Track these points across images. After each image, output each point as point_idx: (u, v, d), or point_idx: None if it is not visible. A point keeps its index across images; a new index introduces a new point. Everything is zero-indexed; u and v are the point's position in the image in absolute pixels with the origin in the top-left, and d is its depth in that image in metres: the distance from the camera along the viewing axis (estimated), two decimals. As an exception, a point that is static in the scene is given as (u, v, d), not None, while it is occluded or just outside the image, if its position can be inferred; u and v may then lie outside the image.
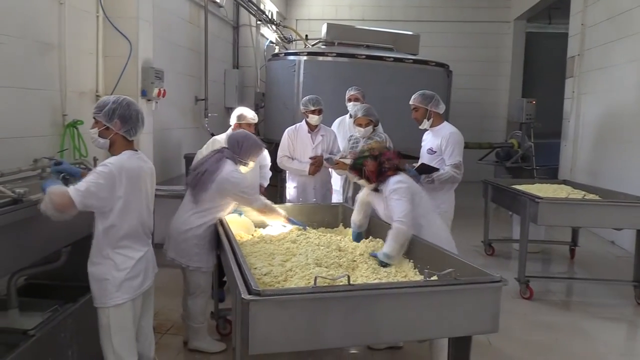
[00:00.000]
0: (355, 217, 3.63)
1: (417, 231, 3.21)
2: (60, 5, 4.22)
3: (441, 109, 4.39)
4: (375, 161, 3.35)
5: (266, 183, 5.05)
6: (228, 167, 3.59)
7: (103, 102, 2.67)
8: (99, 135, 2.66)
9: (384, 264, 2.99)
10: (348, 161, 4.32)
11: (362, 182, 3.45)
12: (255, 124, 4.74)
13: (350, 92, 5.48)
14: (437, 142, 4.34)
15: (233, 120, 4.68)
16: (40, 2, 4.00)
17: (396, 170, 3.36)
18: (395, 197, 3.20)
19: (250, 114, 4.68)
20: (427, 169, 4.25)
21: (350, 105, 5.47)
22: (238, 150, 3.72)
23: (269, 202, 3.74)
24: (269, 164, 5.03)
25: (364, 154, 3.43)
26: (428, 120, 4.38)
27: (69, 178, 2.79)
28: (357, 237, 3.57)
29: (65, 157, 4.12)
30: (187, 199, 3.70)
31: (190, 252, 3.62)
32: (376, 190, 3.41)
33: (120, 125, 2.63)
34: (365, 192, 3.58)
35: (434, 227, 3.36)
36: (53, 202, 2.42)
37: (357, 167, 3.41)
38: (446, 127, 4.39)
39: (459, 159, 4.29)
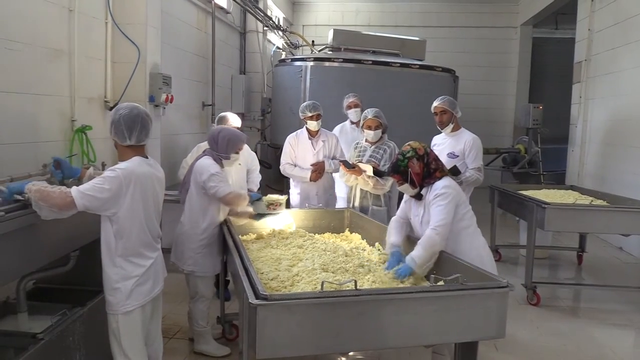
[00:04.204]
0: (394, 238, 3.19)
1: (455, 244, 2.97)
2: (70, 12, 4.27)
3: (460, 115, 4.52)
4: (421, 162, 3.03)
5: (255, 188, 4.98)
6: (202, 160, 3.67)
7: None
8: (115, 146, 2.74)
9: (403, 275, 2.79)
10: (369, 169, 4.30)
11: (404, 187, 3.10)
12: (259, 129, 4.72)
13: (349, 99, 5.48)
14: (460, 146, 4.45)
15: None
16: (50, 9, 4.05)
17: (442, 172, 3.05)
18: (439, 203, 2.92)
19: (231, 118, 4.59)
20: (456, 171, 4.29)
21: (351, 112, 5.49)
22: (215, 146, 3.72)
23: (234, 190, 3.65)
24: (258, 167, 4.98)
25: (408, 154, 3.06)
26: (451, 124, 4.48)
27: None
28: (397, 258, 3.02)
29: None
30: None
31: (185, 255, 3.70)
32: (419, 197, 3.08)
33: (114, 132, 2.66)
34: (399, 212, 3.28)
35: (475, 242, 3.05)
36: (51, 202, 2.41)
37: (401, 169, 3.04)
38: (467, 133, 4.53)
39: (481, 162, 4.45)
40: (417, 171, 3.01)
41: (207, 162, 3.63)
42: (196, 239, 3.67)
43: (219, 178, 3.55)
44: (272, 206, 3.82)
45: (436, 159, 3.10)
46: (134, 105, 2.72)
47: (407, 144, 3.16)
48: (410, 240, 3.19)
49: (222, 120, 4.62)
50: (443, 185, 2.97)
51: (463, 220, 3.01)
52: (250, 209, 3.76)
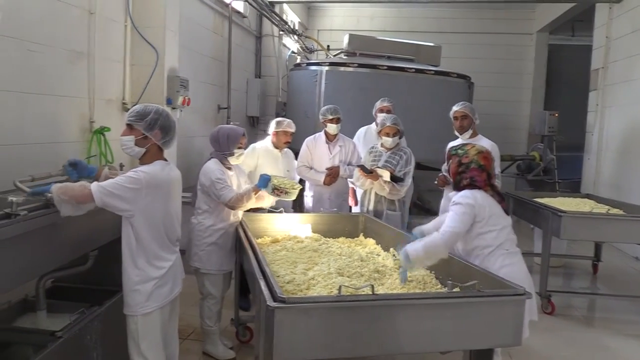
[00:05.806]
0: (426, 225, 3.27)
1: (475, 262, 2.91)
2: (90, 15, 4.33)
3: (478, 122, 4.57)
4: (457, 167, 3.07)
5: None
6: (208, 163, 3.72)
7: (143, 110, 2.65)
8: (135, 144, 2.66)
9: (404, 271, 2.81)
10: (386, 174, 4.33)
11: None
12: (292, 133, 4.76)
13: (383, 103, 5.46)
14: None
15: (271, 129, 4.76)
16: (71, 12, 4.11)
17: (474, 186, 2.99)
18: (454, 210, 2.91)
19: (285, 121, 4.74)
20: None
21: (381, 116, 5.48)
22: (218, 145, 3.76)
23: (237, 193, 3.63)
24: (298, 177, 5.04)
25: (460, 151, 3.12)
26: (470, 130, 4.53)
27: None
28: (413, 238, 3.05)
29: (92, 163, 4.20)
30: None
31: (192, 251, 3.79)
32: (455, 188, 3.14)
33: (160, 136, 2.66)
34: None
35: (488, 264, 2.88)
36: (70, 193, 2.45)
37: (450, 153, 3.18)
38: (484, 140, 4.53)
39: (498, 169, 4.45)
40: (453, 170, 3.12)
41: (211, 167, 3.67)
42: (201, 236, 3.75)
43: (221, 184, 3.59)
44: (277, 191, 3.79)
45: (474, 177, 2.99)
46: (165, 108, 2.80)
47: (477, 147, 3.14)
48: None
49: (279, 124, 4.69)
50: (463, 194, 2.95)
51: (480, 239, 2.93)
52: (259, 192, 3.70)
